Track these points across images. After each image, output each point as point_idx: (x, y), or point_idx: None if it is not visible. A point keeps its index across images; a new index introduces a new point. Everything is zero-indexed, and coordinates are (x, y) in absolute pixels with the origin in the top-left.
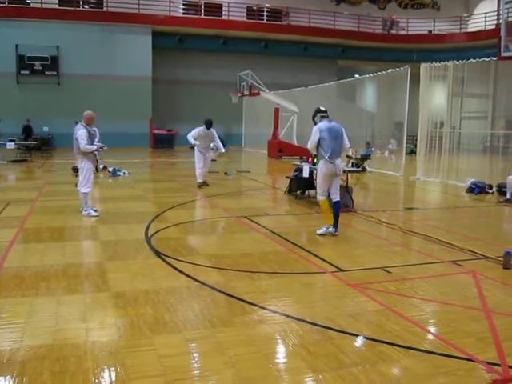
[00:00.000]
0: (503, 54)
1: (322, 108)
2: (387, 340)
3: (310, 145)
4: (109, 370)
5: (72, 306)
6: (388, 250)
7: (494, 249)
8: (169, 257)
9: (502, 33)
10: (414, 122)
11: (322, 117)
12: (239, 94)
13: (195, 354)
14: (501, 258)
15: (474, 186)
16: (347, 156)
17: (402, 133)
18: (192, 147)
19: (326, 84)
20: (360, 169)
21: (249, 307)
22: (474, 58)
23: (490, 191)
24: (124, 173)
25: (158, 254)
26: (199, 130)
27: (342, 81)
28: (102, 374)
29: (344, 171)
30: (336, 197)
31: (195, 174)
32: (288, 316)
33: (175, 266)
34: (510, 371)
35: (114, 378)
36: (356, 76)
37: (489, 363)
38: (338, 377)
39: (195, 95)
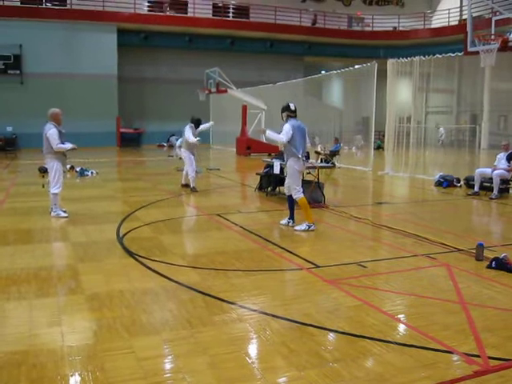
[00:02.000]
0: (470, 49)
1: (292, 107)
2: (367, 335)
3: (286, 138)
4: (88, 375)
5: (45, 310)
6: (362, 245)
7: (465, 241)
8: (142, 257)
9: (469, 28)
10: (381, 118)
11: (290, 116)
12: (206, 92)
13: (175, 356)
14: (473, 251)
15: (442, 180)
16: (316, 152)
17: (369, 128)
18: (161, 145)
19: (294, 81)
20: (330, 164)
21: (227, 306)
22: (440, 54)
23: (458, 184)
24: (92, 172)
25: (131, 254)
26: (191, 130)
27: (309, 77)
28: (80, 379)
29: (315, 167)
30: (288, 191)
31: (185, 176)
32: (267, 314)
33: (149, 266)
34: (489, 362)
35: (93, 383)
36: (322, 72)
37: (468, 355)
38: (321, 374)
39: (162, 93)
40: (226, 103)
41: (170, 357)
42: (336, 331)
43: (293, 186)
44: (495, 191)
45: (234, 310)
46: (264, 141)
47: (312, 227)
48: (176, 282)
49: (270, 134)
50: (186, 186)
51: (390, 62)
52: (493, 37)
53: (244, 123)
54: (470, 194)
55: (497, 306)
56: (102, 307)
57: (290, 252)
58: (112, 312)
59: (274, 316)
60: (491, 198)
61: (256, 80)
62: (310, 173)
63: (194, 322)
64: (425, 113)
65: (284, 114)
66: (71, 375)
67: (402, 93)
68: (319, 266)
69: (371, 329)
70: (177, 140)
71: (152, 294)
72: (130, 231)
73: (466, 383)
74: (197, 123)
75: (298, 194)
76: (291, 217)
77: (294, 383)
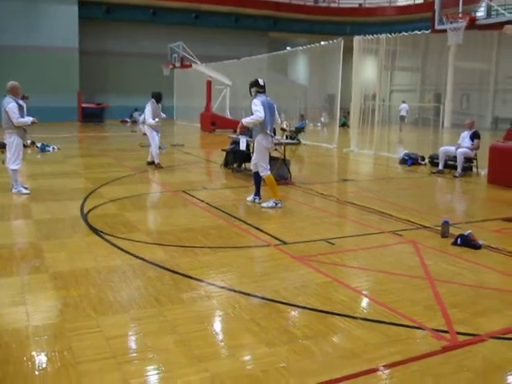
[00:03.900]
0: (437, 27)
1: (261, 82)
2: (336, 311)
3: (261, 114)
4: (55, 355)
5: (9, 289)
6: (329, 222)
7: (430, 218)
8: (108, 234)
9: (437, 6)
10: (346, 95)
11: (259, 92)
12: (170, 66)
13: (144, 334)
14: (438, 228)
15: (406, 158)
16: (281, 129)
17: (334, 105)
18: (124, 121)
19: (259, 56)
20: (296, 141)
21: (195, 283)
22: (406, 32)
23: (423, 162)
24: (53, 148)
25: (95, 231)
26: (152, 106)
27: (274, 53)
28: (47, 359)
29: (281, 143)
30: (255, 168)
31: (150, 153)
32: (235, 291)
33: (115, 243)
34: (457, 337)
35: (60, 363)
36: (288, 48)
37: (437, 330)
38: (291, 350)
39: (125, 67)
40: (191, 78)
41: (138, 335)
42: (305, 308)
43: (260, 163)
44: (459, 169)
45: (202, 288)
46: (229, 117)
47: (279, 204)
48: (143, 259)
49: (245, 120)
50: (152, 163)
51: (357, 39)
52: (460, 15)
53: (209, 99)
54: (434, 172)
55: (463, 282)
56: (67, 286)
57: (257, 228)
58: (78, 290)
59: (242, 293)
60: (455, 176)
61: (221, 55)
62: (276, 149)
63: (162, 299)
64: (389, 91)
65: (253, 90)
66: (37, 355)
67: (367, 70)
68: (287, 243)
69: (340, 305)
70: (140, 115)
71: (118, 271)
72: (94, 208)
73: (434, 358)
74: (158, 97)
75: (265, 172)
76: (257, 193)
77: (265, 360)
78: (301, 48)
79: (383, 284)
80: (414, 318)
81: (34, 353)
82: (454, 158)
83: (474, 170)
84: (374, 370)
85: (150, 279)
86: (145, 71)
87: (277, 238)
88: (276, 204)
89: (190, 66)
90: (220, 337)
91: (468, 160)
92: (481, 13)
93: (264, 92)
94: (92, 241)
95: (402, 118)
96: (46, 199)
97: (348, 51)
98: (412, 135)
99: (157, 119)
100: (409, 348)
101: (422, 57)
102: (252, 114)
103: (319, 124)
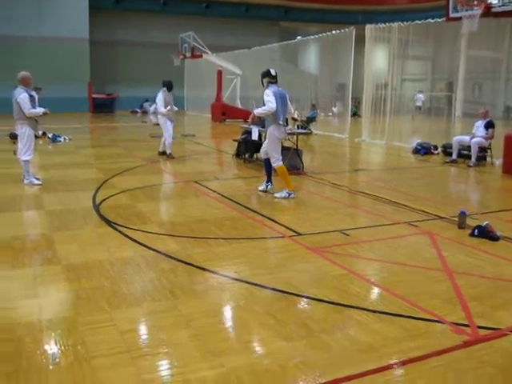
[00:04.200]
0: (452, 15)
1: (273, 73)
2: (354, 304)
3: (273, 105)
4: (68, 349)
5: (21, 281)
6: (343, 213)
7: (445, 209)
8: (120, 225)
9: None
10: (357, 85)
11: (271, 82)
12: (181, 57)
13: (158, 328)
14: (454, 218)
15: (419, 147)
16: (293, 118)
17: (345, 95)
18: (134, 111)
19: (270, 46)
20: (308, 131)
21: (209, 275)
22: (419, 20)
23: (436, 152)
24: (64, 138)
25: (108, 222)
26: (163, 94)
27: (285, 42)
28: (61, 353)
29: (293, 133)
30: (265, 155)
31: (163, 143)
32: (250, 283)
33: (128, 234)
34: (478, 332)
35: (74, 357)
36: (299, 38)
37: (457, 324)
38: (309, 344)
39: (135, 58)
40: (201, 68)
41: (152, 329)
42: (321, 300)
43: (272, 154)
44: (473, 159)
45: (216, 280)
46: (239, 106)
47: (292, 195)
48: (156, 250)
49: (257, 111)
50: (164, 153)
51: (369, 27)
52: (475, 2)
53: (219, 89)
54: (447, 162)
55: (482, 274)
56: (80, 278)
57: (272, 220)
58: (91, 283)
59: (257, 285)
60: (469, 166)
61: (231, 45)
62: (288, 139)
63: (176, 292)
64: (401, 80)
65: (265, 80)
66: (51, 349)
67: (378, 59)
68: (301, 234)
69: (357, 298)
70: (150, 106)
71: (132, 263)
72: (106, 199)
73: (455, 353)
74: (169, 86)
75: (278, 162)
76: (268, 180)
77: (282, 355)
78: (312, 37)
79: (400, 276)
80: (433, 311)
81: (47, 347)
82: (468, 148)
83: (489, 159)
84: (394, 365)
85: (164, 271)
86: (155, 61)
87: (291, 229)
88: (289, 194)
89: (201, 56)
90: (235, 331)
91: (482, 149)
92: (495, 0)
93: (276, 82)
94: (104, 232)
95: (418, 107)
96: (58, 190)
97: (359, 40)
98: (424, 124)
99: (168, 107)
100: (429, 342)
101: (433, 45)
102: (264, 105)
103: (330, 114)
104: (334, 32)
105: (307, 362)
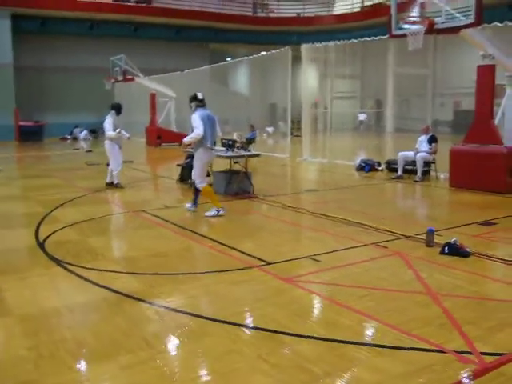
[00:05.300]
0: (394, 33)
1: (200, 96)
2: (348, 339)
3: (200, 131)
4: None
5: None
6: (306, 237)
7: (407, 227)
8: (72, 264)
9: (393, 11)
10: (286, 104)
11: (198, 106)
12: (113, 80)
13: None
14: (420, 236)
15: (363, 164)
16: (233, 141)
17: (276, 115)
18: (64, 138)
19: (202, 68)
20: (256, 153)
21: (184, 318)
22: (344, 40)
23: (380, 168)
24: None
25: (57, 262)
26: (112, 118)
27: (217, 64)
28: None
29: (243, 156)
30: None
31: (110, 173)
32: (232, 323)
33: (82, 275)
34: (483, 359)
35: None
36: (228, 59)
37: (460, 352)
38: None
39: (64, 83)
40: (133, 92)
41: None
42: (312, 337)
43: (197, 176)
44: (419, 174)
45: (193, 322)
46: (174, 130)
47: (221, 211)
48: (118, 292)
49: (187, 139)
50: (111, 184)
51: (304, 47)
52: (419, 19)
53: (153, 112)
54: (394, 178)
55: (466, 294)
56: (38, 331)
57: (233, 248)
58: (51, 336)
59: (239, 325)
60: (416, 181)
61: (162, 67)
62: (236, 162)
63: (150, 340)
64: (330, 98)
65: (192, 104)
66: None
67: (310, 78)
68: (270, 263)
69: (349, 331)
70: (81, 132)
71: (93, 309)
72: (50, 234)
73: None
74: (118, 108)
75: (201, 184)
76: (195, 202)
77: None
78: (246, 58)
79: (386, 303)
80: (430, 339)
81: None
82: (412, 163)
83: (433, 173)
84: None
85: (131, 316)
86: (85, 86)
87: (257, 258)
88: (218, 212)
89: (133, 79)
90: (229, 382)
91: (426, 164)
92: (439, 17)
93: (204, 106)
94: (56, 273)
95: (361, 122)
96: None
97: (285, 61)
98: (361, 141)
99: (118, 130)
100: (437, 376)
101: (360, 64)
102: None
103: (265, 134)
104: (263, 53)
105: None
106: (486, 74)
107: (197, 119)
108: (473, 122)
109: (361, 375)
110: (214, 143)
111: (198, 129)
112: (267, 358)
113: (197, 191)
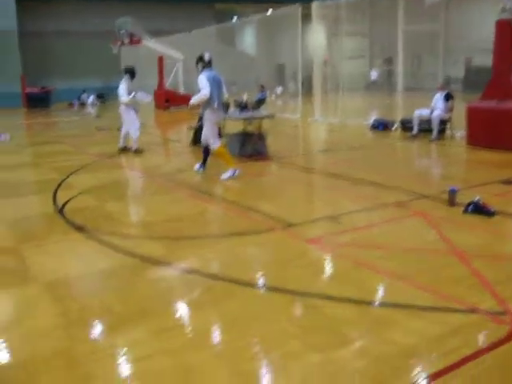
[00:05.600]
0: None
1: (207, 57)
2: (380, 300)
3: (206, 91)
4: None
5: None
6: (324, 198)
7: (426, 186)
8: (92, 230)
9: None
10: (296, 64)
11: (205, 67)
12: (119, 44)
13: (174, 351)
14: (440, 196)
15: (377, 124)
16: (246, 102)
17: (284, 75)
18: (72, 104)
19: (210, 28)
20: (270, 114)
21: (211, 282)
22: None
23: (393, 127)
24: (5, 137)
25: (77, 228)
26: (127, 83)
27: (224, 24)
28: None
29: (256, 118)
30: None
31: (124, 137)
32: (259, 287)
33: (104, 240)
34: None
35: None
36: (235, 18)
37: (493, 313)
38: (349, 354)
39: (70, 48)
40: (140, 55)
41: (169, 353)
42: (343, 300)
43: (209, 138)
44: (435, 133)
45: (221, 286)
46: (182, 92)
47: (236, 172)
48: (140, 257)
49: (193, 100)
50: (124, 149)
51: (315, 3)
52: None
53: (161, 75)
54: (409, 137)
55: (494, 254)
56: (65, 298)
57: (253, 210)
58: (78, 302)
59: (268, 288)
60: (431, 140)
61: (168, 29)
62: (250, 124)
63: (177, 305)
64: (340, 57)
65: (199, 65)
66: None
67: (317, 37)
68: (292, 225)
69: (379, 293)
70: (88, 97)
71: (117, 274)
72: (68, 201)
73: (506, 348)
74: (132, 72)
75: (215, 145)
76: (203, 164)
77: (324, 368)
78: (256, 17)
79: (413, 264)
80: (463, 300)
81: None
82: (427, 122)
83: (448, 132)
84: (449, 370)
85: (156, 281)
86: (90, 50)
87: (277, 220)
88: (234, 173)
89: (140, 41)
90: (261, 347)
91: (442, 122)
92: None
93: (210, 67)
94: (76, 239)
95: (374, 82)
96: (10, 195)
97: (294, 20)
98: (370, 100)
99: (133, 94)
100: (473, 338)
101: (368, 21)
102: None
103: (274, 95)
104: (278, 10)
105: (355, 377)
106: (505, 28)
107: (203, 80)
108: (491, 79)
109: (394, 338)
110: (228, 106)
111: (204, 89)
112: (299, 322)
113: (206, 153)
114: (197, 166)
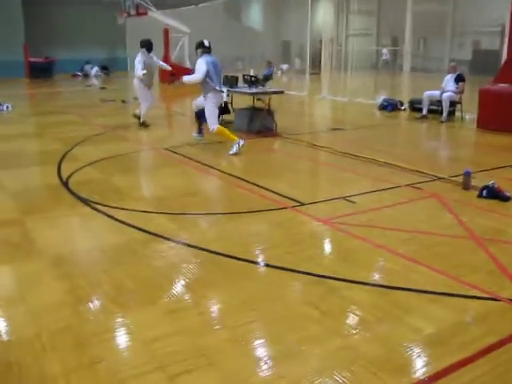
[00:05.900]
0: None
1: (206, 43)
2: (397, 285)
3: (200, 75)
4: (87, 372)
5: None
6: (337, 177)
7: (439, 168)
8: (98, 203)
9: None
10: (300, 41)
11: (204, 52)
12: (125, 15)
13: (188, 332)
14: (454, 178)
15: (385, 104)
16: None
17: (291, 52)
18: (75, 75)
19: (217, 1)
20: (280, 90)
21: (224, 260)
22: None
23: (402, 108)
24: (7, 107)
25: (84, 201)
26: (143, 56)
27: None
28: (78, 378)
29: (265, 93)
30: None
31: (136, 111)
32: (275, 267)
33: (111, 214)
34: None
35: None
36: None
37: None
38: (370, 340)
39: (74, 17)
40: (146, 27)
41: (181, 334)
42: (361, 282)
43: (209, 118)
44: (444, 114)
45: (235, 265)
46: (188, 66)
47: (241, 142)
48: (150, 232)
49: (186, 79)
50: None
51: None
52: None
53: (166, 49)
54: (418, 118)
55: (511, 239)
56: (72, 274)
57: (264, 188)
58: (87, 279)
59: (284, 269)
60: (441, 122)
61: (175, 2)
62: (259, 99)
63: (192, 284)
64: (346, 35)
65: (198, 51)
66: (64, 374)
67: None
68: (304, 204)
69: (397, 276)
70: (92, 68)
71: (127, 250)
72: (73, 173)
73: None
74: (148, 46)
75: (214, 126)
76: (200, 130)
77: (343, 356)
78: None
79: (430, 247)
80: (482, 287)
81: (56, 371)
82: (437, 103)
83: (458, 114)
84: (474, 358)
85: (168, 258)
86: (95, 20)
87: (291, 199)
88: (238, 145)
89: (146, 13)
90: (280, 329)
91: (452, 104)
92: None
93: (209, 52)
94: (83, 213)
95: (386, 61)
96: (13, 166)
97: None
98: (378, 79)
99: (144, 71)
100: (496, 326)
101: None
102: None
103: (279, 71)
104: None
105: (376, 364)
106: None
107: (202, 65)
108: (504, 62)
109: (415, 324)
110: (236, 80)
111: (198, 73)
112: (318, 305)
113: (199, 119)
114: (194, 133)
